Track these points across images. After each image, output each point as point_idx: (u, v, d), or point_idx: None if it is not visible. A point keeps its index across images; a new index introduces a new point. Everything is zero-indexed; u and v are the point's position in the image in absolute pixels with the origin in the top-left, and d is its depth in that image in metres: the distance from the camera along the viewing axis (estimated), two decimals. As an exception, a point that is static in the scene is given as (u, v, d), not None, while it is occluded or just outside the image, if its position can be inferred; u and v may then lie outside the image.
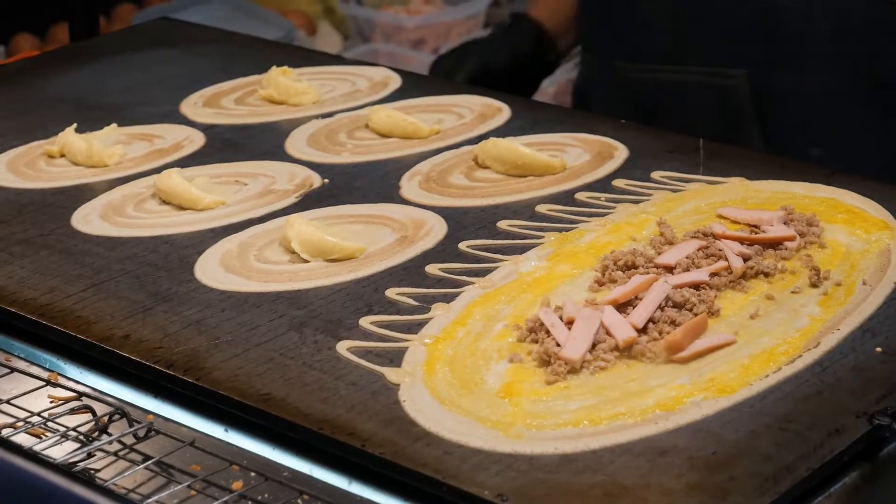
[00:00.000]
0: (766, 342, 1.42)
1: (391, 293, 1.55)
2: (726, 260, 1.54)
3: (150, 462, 1.33)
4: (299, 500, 1.28)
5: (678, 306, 1.46)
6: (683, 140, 1.91)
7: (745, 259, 1.54)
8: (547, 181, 1.80)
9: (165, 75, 2.24)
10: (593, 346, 1.40)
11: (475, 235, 1.67)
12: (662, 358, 1.39)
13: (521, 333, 1.45)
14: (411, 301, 1.54)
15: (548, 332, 1.43)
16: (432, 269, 1.60)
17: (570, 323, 1.43)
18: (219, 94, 2.15)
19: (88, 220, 1.77)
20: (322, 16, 3.73)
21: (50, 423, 1.40)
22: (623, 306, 1.46)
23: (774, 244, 1.58)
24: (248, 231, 1.72)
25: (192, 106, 2.11)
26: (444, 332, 1.47)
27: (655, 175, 1.80)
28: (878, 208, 1.68)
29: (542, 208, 1.73)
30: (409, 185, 1.81)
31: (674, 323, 1.43)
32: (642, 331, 1.43)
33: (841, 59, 2.19)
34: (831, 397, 1.34)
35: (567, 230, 1.67)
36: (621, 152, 1.87)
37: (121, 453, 1.36)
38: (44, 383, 1.47)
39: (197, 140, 1.99)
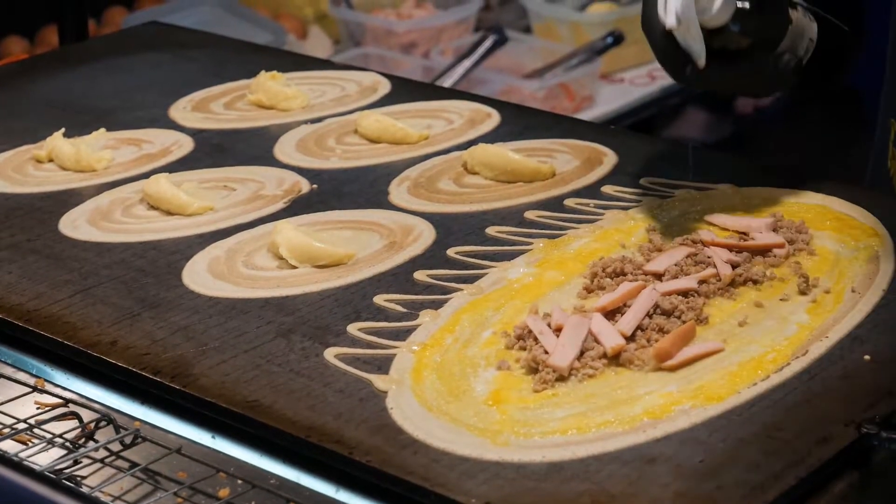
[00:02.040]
0: (755, 350, 1.42)
1: (379, 300, 1.55)
2: (715, 267, 1.53)
3: (136, 469, 1.33)
4: (286, 508, 1.28)
5: (667, 314, 1.46)
6: (673, 146, 1.91)
7: (734, 266, 1.54)
8: (536, 187, 1.80)
9: (155, 79, 2.24)
10: (581, 353, 1.40)
11: (464, 242, 1.67)
12: (651, 365, 1.39)
13: (509, 341, 1.45)
14: (399, 308, 1.54)
15: (536, 339, 1.43)
16: (420, 275, 1.60)
17: (558, 330, 1.43)
18: (208, 98, 2.15)
19: (76, 225, 1.76)
20: (313, 20, 3.73)
21: (36, 430, 1.39)
22: (611, 314, 1.46)
23: (763, 251, 1.58)
24: (236, 237, 1.71)
25: (181, 110, 2.11)
26: (432, 339, 1.47)
27: (644, 181, 1.80)
28: (866, 215, 1.68)
29: (530, 214, 1.73)
30: (398, 191, 1.81)
31: (662, 330, 1.43)
32: (630, 338, 1.42)
33: None
34: (819, 405, 1.34)
35: (556, 237, 1.67)
36: (610, 158, 1.87)
37: (107, 460, 1.35)
38: (30, 389, 1.46)
39: (185, 145, 1.99)
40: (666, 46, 1.56)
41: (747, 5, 1.56)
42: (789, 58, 1.63)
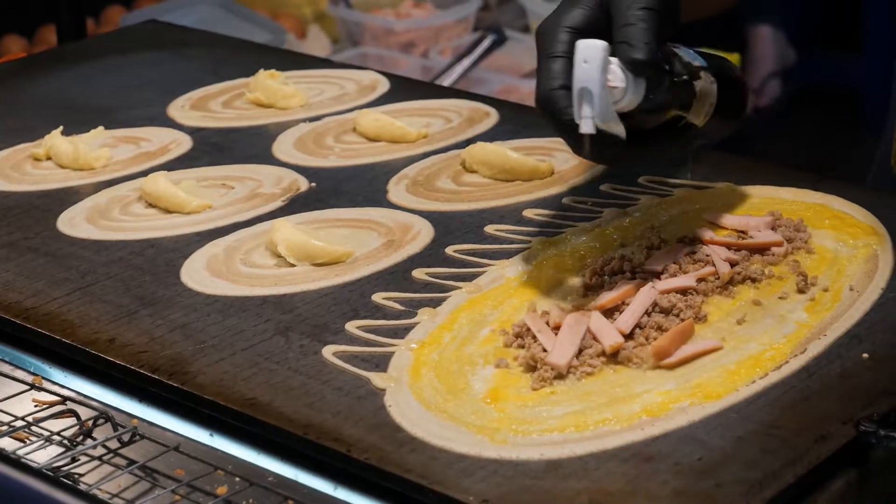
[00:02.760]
0: (753, 348, 1.42)
1: (377, 298, 1.55)
2: (713, 265, 1.53)
3: (134, 467, 1.33)
4: (284, 506, 1.28)
5: (665, 312, 1.46)
6: (671, 145, 1.91)
7: (733, 264, 1.54)
8: (534, 185, 1.80)
9: (153, 78, 2.24)
10: (580, 351, 1.40)
11: (462, 240, 1.67)
12: (649, 364, 1.39)
13: (507, 339, 1.45)
14: (397, 306, 1.53)
15: (534, 337, 1.42)
16: (419, 273, 1.60)
17: (556, 328, 1.43)
18: (206, 97, 2.15)
19: (74, 223, 1.76)
20: (312, 19, 3.73)
21: (34, 428, 1.39)
22: (610, 312, 1.46)
23: (762, 250, 1.58)
24: (234, 235, 1.71)
25: (180, 109, 2.11)
26: (430, 337, 1.47)
27: (643, 180, 1.80)
28: (865, 214, 1.68)
29: (529, 213, 1.73)
30: (397, 190, 1.81)
31: (661, 328, 1.43)
32: (629, 336, 1.42)
33: None
34: (818, 403, 1.34)
35: (554, 235, 1.67)
36: (609, 157, 1.87)
37: (105, 458, 1.35)
38: (28, 387, 1.46)
39: (184, 143, 1.99)
40: (576, 139, 1.45)
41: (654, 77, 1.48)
42: (694, 128, 1.59)
